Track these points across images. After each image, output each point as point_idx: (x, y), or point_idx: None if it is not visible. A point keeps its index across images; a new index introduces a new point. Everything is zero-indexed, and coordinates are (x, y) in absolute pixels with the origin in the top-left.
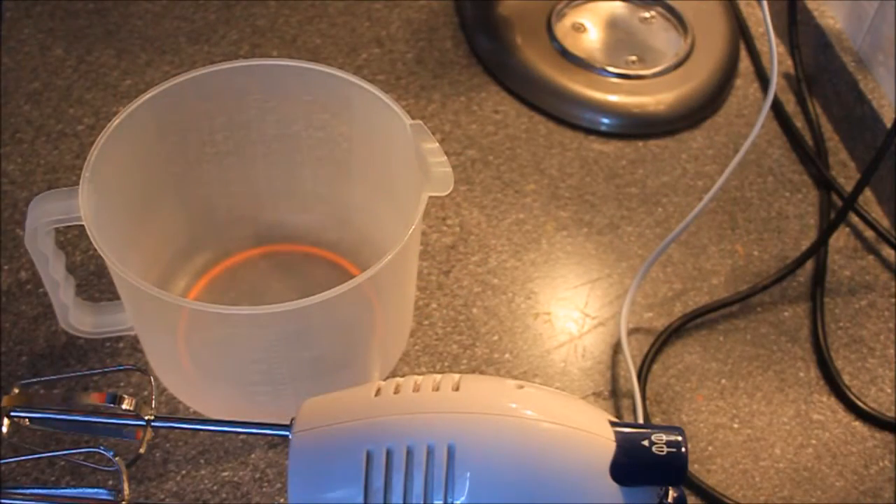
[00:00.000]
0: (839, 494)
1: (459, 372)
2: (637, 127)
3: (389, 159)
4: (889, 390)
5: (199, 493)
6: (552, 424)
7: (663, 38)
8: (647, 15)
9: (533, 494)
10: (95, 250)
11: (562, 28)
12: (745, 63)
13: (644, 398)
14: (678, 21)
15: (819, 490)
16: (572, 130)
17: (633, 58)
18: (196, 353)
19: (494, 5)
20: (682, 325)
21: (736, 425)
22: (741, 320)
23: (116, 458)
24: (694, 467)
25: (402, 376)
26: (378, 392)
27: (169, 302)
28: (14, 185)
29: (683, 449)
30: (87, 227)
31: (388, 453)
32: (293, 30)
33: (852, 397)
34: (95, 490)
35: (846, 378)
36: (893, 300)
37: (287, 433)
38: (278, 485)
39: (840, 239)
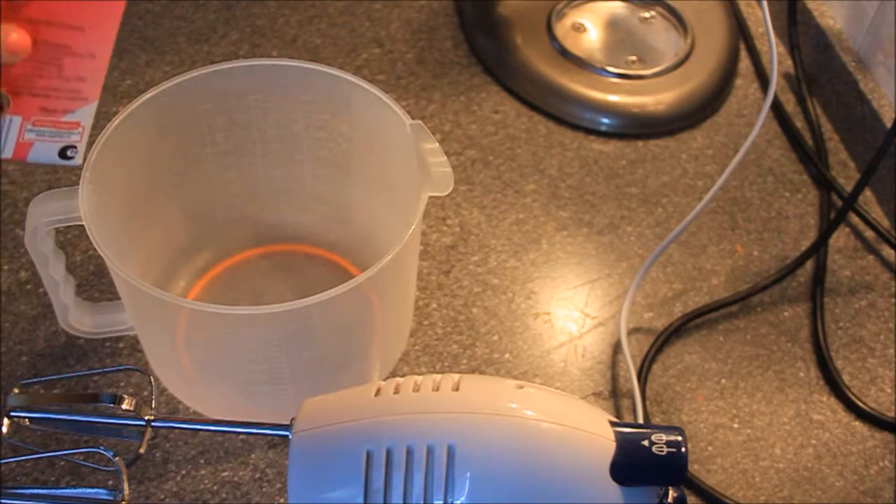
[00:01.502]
0: (839, 494)
1: (459, 372)
2: (637, 127)
3: (389, 159)
4: (889, 390)
5: (199, 493)
6: (552, 424)
7: (663, 38)
8: (647, 15)
9: (533, 494)
10: (95, 250)
11: (562, 28)
12: (745, 63)
13: (644, 398)
14: (678, 21)
15: (819, 490)
16: (572, 130)
17: (633, 58)
18: (196, 353)
19: (494, 5)
20: (682, 325)
21: (736, 425)
22: (741, 320)
23: (116, 458)
24: (694, 467)
25: (402, 376)
26: (378, 392)
27: (169, 302)
28: (14, 185)
29: (683, 449)
30: (87, 227)
31: (388, 453)
32: (293, 30)
33: (852, 397)
34: (95, 490)
35: (846, 378)
36: (893, 300)
37: (287, 433)
38: (278, 485)
39: (840, 239)
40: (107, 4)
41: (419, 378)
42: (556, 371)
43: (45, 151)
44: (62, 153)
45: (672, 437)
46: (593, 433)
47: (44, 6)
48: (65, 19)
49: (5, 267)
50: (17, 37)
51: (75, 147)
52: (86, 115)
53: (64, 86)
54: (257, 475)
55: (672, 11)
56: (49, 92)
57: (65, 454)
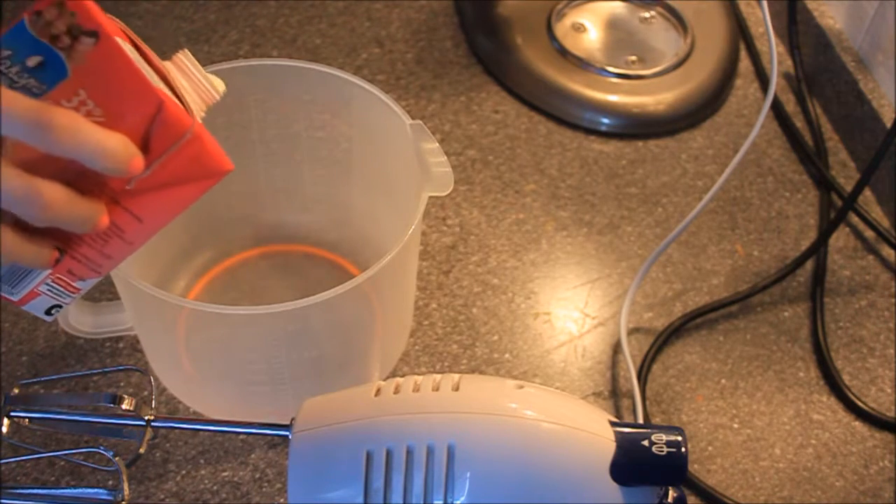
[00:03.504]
0: (839, 494)
1: (459, 372)
2: (637, 127)
3: (389, 159)
4: (889, 390)
5: (199, 493)
6: (552, 424)
7: (663, 38)
8: (647, 15)
9: (533, 494)
10: None
11: (562, 28)
12: (745, 63)
13: (644, 398)
14: (678, 21)
15: (819, 490)
16: (572, 130)
17: (633, 58)
18: (196, 353)
19: (494, 5)
20: (682, 325)
21: (736, 425)
22: (741, 320)
23: (116, 458)
24: (694, 467)
25: (402, 376)
26: (378, 392)
27: (169, 302)
28: None
29: (683, 449)
30: None
31: (388, 453)
32: (293, 30)
33: (852, 397)
34: (95, 490)
35: (846, 378)
36: (893, 300)
37: (287, 433)
38: (278, 485)
39: (840, 239)
40: (175, 203)
41: (419, 378)
42: (556, 371)
43: (40, 304)
44: (49, 310)
45: (672, 437)
46: (593, 433)
47: (139, 200)
48: (138, 210)
49: None
50: (103, 221)
51: (61, 307)
52: (90, 284)
53: (96, 259)
54: (257, 475)
55: (672, 11)
56: (84, 259)
57: (65, 454)
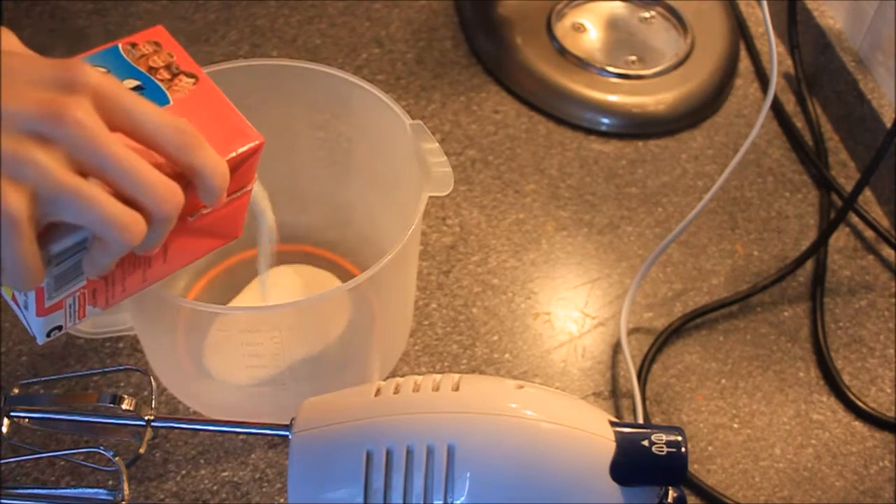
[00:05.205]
0: (839, 494)
1: (459, 372)
2: (637, 127)
3: (389, 159)
4: (889, 390)
5: (199, 493)
6: (552, 424)
7: (663, 38)
8: (647, 15)
9: (533, 494)
10: None
11: (562, 28)
12: (745, 63)
13: (644, 398)
14: (678, 21)
15: (819, 490)
16: (572, 130)
17: (633, 58)
18: (196, 353)
19: (494, 5)
20: (682, 325)
21: (736, 425)
22: (741, 320)
23: (116, 458)
24: (694, 467)
25: (402, 376)
26: (378, 392)
27: (169, 302)
28: None
29: (683, 449)
30: None
31: (388, 453)
32: (293, 30)
33: (852, 397)
34: (95, 490)
35: (846, 378)
36: (893, 300)
37: (287, 433)
38: (278, 485)
39: (840, 239)
40: (192, 253)
41: (419, 378)
42: (556, 371)
43: (54, 319)
44: (51, 331)
45: (672, 437)
46: (593, 433)
47: (177, 239)
48: (171, 248)
49: None
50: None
51: (61, 330)
52: (91, 314)
53: (116, 285)
54: (257, 475)
55: (672, 11)
56: (110, 283)
57: (65, 454)
